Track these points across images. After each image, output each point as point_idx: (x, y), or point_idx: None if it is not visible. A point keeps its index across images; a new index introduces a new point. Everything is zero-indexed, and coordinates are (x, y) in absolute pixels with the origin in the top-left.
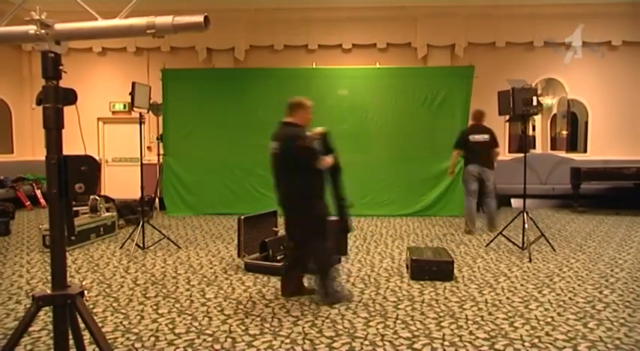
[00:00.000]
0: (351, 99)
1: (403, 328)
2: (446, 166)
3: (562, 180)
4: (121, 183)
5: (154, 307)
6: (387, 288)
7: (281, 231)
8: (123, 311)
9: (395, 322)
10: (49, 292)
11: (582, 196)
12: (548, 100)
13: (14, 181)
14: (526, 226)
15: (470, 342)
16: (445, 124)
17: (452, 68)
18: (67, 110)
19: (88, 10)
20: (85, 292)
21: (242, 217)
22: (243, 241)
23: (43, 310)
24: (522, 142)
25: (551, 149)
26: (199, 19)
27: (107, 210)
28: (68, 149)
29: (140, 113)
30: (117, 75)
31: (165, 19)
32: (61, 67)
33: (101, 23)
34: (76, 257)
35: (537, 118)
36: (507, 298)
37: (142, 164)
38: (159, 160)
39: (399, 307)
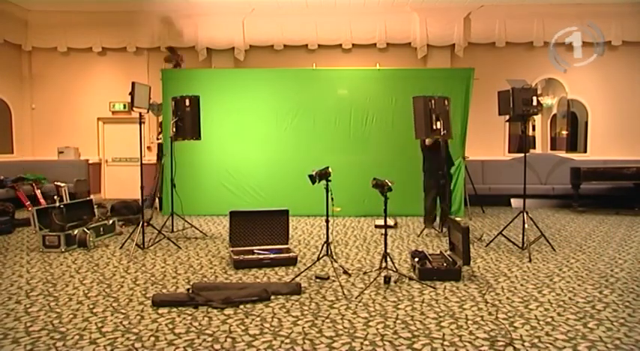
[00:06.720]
0: (351, 100)
1: (403, 328)
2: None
3: (562, 180)
4: (121, 183)
5: (154, 307)
6: (387, 288)
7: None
8: (123, 311)
9: (395, 322)
10: None
11: (582, 196)
12: (548, 100)
13: (14, 181)
14: (526, 226)
15: (470, 342)
16: None
17: (452, 70)
18: (66, 109)
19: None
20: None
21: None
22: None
23: (43, 310)
24: (522, 142)
25: (551, 149)
26: None
27: (103, 217)
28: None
29: (140, 113)
30: (117, 75)
31: None
32: None
33: None
34: (76, 257)
35: (537, 118)
36: (507, 298)
37: (141, 164)
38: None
39: (399, 307)
